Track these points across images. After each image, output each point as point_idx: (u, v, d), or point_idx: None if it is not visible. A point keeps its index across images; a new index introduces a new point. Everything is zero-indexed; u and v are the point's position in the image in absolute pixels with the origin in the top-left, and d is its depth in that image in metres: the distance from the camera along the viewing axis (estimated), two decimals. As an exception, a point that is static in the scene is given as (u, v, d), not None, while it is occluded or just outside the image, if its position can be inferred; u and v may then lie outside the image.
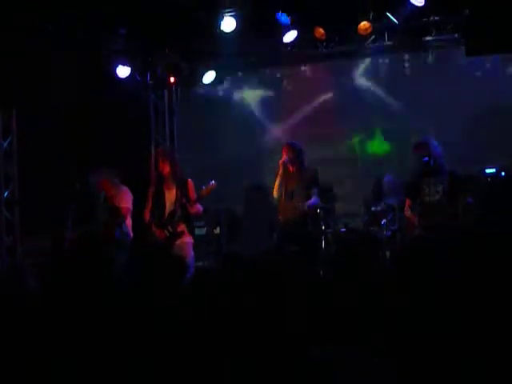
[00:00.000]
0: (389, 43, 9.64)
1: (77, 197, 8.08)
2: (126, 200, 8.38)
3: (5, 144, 9.23)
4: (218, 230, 10.02)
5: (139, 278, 3.70)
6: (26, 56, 8.45)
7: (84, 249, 4.13)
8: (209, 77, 10.36)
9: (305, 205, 8.10)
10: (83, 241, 4.26)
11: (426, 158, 7.36)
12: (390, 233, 8.40)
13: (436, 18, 9.31)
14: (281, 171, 8.20)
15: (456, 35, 9.26)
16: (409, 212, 7.58)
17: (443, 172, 7.39)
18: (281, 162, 8.19)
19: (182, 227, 7.96)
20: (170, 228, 7.89)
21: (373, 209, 9.08)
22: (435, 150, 7.46)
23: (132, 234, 8.33)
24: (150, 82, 10.95)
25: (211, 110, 10.81)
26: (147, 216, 8.09)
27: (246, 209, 10.64)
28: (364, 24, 9.11)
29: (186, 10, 8.90)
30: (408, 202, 7.61)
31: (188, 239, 8.00)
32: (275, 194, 8.28)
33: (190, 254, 7.89)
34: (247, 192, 10.60)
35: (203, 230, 9.91)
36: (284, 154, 8.23)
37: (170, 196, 7.98)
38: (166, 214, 7.96)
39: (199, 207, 8.04)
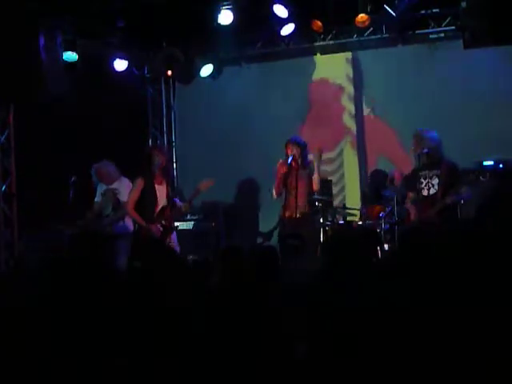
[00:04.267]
0: (386, 35, 9.63)
1: (73, 189, 8.11)
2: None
3: (2, 138, 9.22)
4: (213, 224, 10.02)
5: (140, 275, 3.71)
6: (24, 51, 8.42)
7: (84, 247, 4.13)
8: (206, 70, 10.35)
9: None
10: (84, 239, 4.26)
11: (426, 150, 7.38)
12: (388, 226, 8.39)
13: (434, 10, 9.31)
14: (282, 170, 8.20)
15: (454, 28, 9.26)
16: (409, 204, 7.59)
17: (441, 164, 7.38)
18: (281, 162, 8.20)
19: (174, 223, 8.03)
20: (164, 223, 7.84)
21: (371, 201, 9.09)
22: (432, 141, 7.45)
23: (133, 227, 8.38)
24: (148, 75, 10.95)
25: (209, 103, 10.78)
26: (133, 212, 7.93)
27: (242, 204, 10.65)
28: (362, 16, 9.10)
29: (184, 3, 8.89)
30: (409, 194, 7.60)
31: (174, 234, 8.03)
32: (275, 194, 8.30)
33: (177, 248, 7.92)
34: (242, 187, 10.60)
35: (191, 224, 9.94)
36: (288, 150, 8.23)
37: (161, 191, 7.93)
38: (158, 209, 7.90)
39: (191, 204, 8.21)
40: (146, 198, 7.84)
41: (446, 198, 7.22)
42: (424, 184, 7.38)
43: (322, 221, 8.64)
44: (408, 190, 7.62)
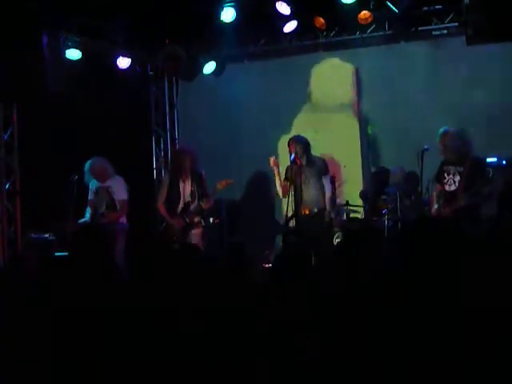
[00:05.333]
0: (389, 32, 9.62)
1: (75, 187, 8.15)
2: (123, 192, 8.49)
3: (6, 136, 9.23)
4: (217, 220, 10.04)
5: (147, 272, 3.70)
6: (26, 48, 8.44)
7: (85, 242, 4.13)
8: (209, 67, 10.35)
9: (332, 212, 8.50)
10: (84, 234, 4.27)
11: (426, 147, 7.55)
12: (391, 222, 8.40)
13: (437, 7, 9.30)
14: (286, 170, 8.38)
15: (457, 24, 9.25)
16: (433, 196, 7.76)
17: (466, 162, 7.51)
18: (273, 159, 8.51)
19: (198, 218, 8.39)
20: (186, 218, 8.27)
21: (374, 198, 9.10)
22: (453, 139, 7.58)
23: (127, 222, 8.62)
24: (151, 73, 10.96)
25: (212, 100, 10.78)
26: (162, 207, 8.49)
27: (246, 200, 10.66)
28: (364, 13, 9.11)
29: (186, 0, 8.89)
30: (438, 186, 7.74)
31: (201, 230, 8.43)
32: (281, 193, 8.49)
33: (202, 243, 8.25)
34: (245, 184, 10.61)
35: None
36: (291, 148, 8.33)
37: (185, 188, 8.33)
38: (181, 205, 8.33)
39: (211, 201, 8.48)
40: (171, 194, 8.36)
41: (460, 199, 7.34)
42: (447, 179, 7.58)
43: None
44: (435, 182, 7.79)
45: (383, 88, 9.94)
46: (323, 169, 8.51)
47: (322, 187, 8.41)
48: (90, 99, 9.35)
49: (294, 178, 8.34)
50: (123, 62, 9.83)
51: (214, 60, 10.32)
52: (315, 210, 8.33)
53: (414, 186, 8.58)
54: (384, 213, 8.46)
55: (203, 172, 8.53)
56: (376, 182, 9.52)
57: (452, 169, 7.57)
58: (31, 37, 8.51)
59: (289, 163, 8.35)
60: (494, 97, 9.23)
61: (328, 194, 8.41)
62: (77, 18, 9.03)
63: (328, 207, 8.41)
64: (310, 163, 8.38)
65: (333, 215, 8.58)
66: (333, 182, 8.73)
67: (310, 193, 8.32)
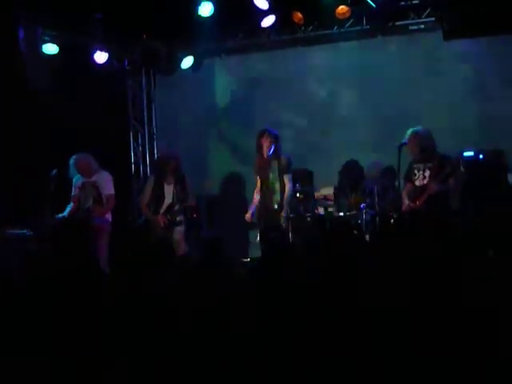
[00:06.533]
0: (367, 27, 9.65)
1: (53, 183, 8.10)
2: (109, 186, 8.49)
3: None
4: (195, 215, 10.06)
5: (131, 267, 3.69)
6: (3, 42, 8.38)
7: (66, 237, 4.11)
8: (187, 62, 10.33)
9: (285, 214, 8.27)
10: (65, 229, 4.24)
11: (405, 141, 7.64)
12: (369, 217, 8.46)
13: (414, 1, 9.36)
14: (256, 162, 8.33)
15: (433, 19, 9.30)
16: (404, 194, 7.86)
17: (433, 158, 7.67)
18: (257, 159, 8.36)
19: (180, 217, 8.54)
20: (168, 217, 8.46)
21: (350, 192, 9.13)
22: (423, 139, 7.70)
23: (111, 219, 8.58)
24: (128, 67, 10.91)
25: (189, 95, 10.77)
26: (145, 208, 8.67)
27: (224, 196, 10.66)
28: (342, 8, 9.14)
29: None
30: (407, 184, 7.87)
31: (183, 227, 8.57)
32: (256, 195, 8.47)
33: (184, 240, 8.49)
34: (224, 179, 10.62)
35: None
36: (263, 141, 8.27)
37: (169, 189, 8.51)
38: (165, 206, 8.49)
39: (193, 201, 8.69)
40: (154, 195, 8.53)
41: (429, 187, 7.55)
42: (417, 176, 7.75)
43: (303, 212, 8.67)
44: (405, 181, 7.89)
45: (360, 82, 9.98)
46: (286, 167, 8.32)
47: (282, 184, 8.31)
48: (67, 94, 9.30)
49: (261, 172, 8.33)
50: (101, 57, 9.78)
51: (192, 54, 10.30)
52: (275, 206, 8.30)
53: (391, 180, 8.66)
54: (362, 207, 8.52)
55: (184, 175, 8.59)
56: (349, 175, 9.50)
57: (421, 166, 7.75)
58: (8, 30, 8.45)
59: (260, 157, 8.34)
60: (477, 86, 9.31)
61: (287, 193, 8.32)
62: (54, 12, 8.95)
63: (285, 206, 8.32)
64: (276, 159, 8.31)
65: (289, 213, 8.44)
66: (294, 180, 8.59)
67: (273, 188, 8.29)
